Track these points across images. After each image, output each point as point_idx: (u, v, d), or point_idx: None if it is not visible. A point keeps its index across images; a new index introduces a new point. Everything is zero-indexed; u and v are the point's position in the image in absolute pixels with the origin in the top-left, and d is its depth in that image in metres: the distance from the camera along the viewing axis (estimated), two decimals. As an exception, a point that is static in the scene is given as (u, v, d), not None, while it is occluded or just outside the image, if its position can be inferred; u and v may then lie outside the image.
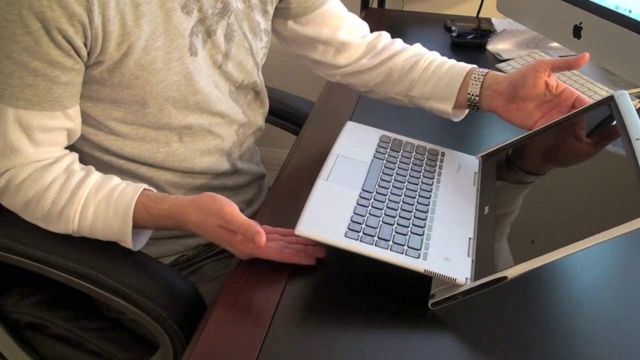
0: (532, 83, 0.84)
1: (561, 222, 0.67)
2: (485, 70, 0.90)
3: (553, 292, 0.72)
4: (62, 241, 0.80)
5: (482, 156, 0.89)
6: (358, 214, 0.73)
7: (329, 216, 0.72)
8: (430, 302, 0.67)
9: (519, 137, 0.86)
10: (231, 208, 0.73)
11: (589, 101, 0.83)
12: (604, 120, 0.77)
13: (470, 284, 0.65)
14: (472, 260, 0.69)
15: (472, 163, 0.88)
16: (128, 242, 0.78)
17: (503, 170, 0.83)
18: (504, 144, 0.87)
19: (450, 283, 0.66)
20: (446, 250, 0.70)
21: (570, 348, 0.64)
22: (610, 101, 0.77)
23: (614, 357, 0.63)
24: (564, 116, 0.82)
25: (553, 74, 0.85)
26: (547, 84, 0.84)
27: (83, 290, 0.80)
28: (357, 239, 0.69)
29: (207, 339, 0.65)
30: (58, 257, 0.80)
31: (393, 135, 0.90)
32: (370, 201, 0.75)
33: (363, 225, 0.71)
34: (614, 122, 0.74)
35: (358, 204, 0.74)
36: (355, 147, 0.86)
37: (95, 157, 0.87)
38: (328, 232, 0.69)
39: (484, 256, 0.69)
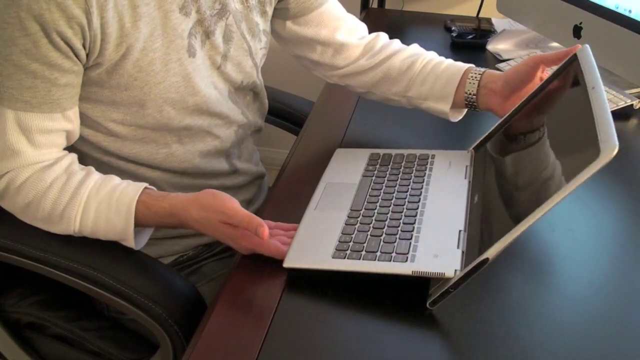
0: (526, 80, 0.84)
1: (529, 191, 0.68)
2: (482, 69, 0.90)
3: (552, 291, 0.72)
4: (62, 241, 0.80)
5: (473, 148, 0.89)
6: (346, 234, 0.74)
7: (316, 244, 0.73)
8: (428, 301, 0.67)
9: (498, 122, 0.86)
10: (232, 203, 0.73)
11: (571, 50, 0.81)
12: (569, 79, 0.77)
13: (458, 275, 0.65)
14: (463, 252, 0.69)
15: (463, 158, 0.88)
16: (130, 241, 0.78)
17: (489, 157, 0.83)
18: (488, 132, 0.87)
19: (441, 279, 0.66)
20: (435, 248, 0.70)
21: (569, 346, 0.64)
22: (574, 59, 0.77)
23: (614, 355, 0.63)
24: (539, 84, 0.82)
25: (547, 68, 0.85)
26: (541, 79, 0.84)
27: (83, 290, 0.80)
28: (344, 258, 0.70)
29: (207, 339, 0.65)
30: (58, 257, 0.80)
31: (382, 151, 0.90)
32: (358, 219, 0.76)
33: (350, 243, 0.72)
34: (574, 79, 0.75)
35: (346, 224, 0.75)
36: (344, 171, 0.87)
37: (94, 158, 0.87)
38: (315, 259, 0.71)
39: (472, 245, 0.69)
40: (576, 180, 0.57)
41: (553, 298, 0.71)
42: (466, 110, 0.96)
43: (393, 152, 0.90)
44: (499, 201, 0.73)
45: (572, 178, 0.57)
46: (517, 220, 0.61)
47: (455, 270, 0.66)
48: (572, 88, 0.76)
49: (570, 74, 0.78)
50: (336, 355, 0.62)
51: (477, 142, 0.89)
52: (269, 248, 0.73)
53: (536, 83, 0.84)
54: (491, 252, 0.62)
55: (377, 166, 0.87)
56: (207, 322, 0.67)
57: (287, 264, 0.71)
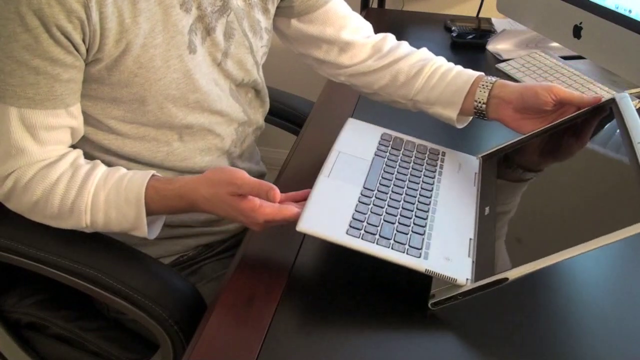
0: (543, 102, 0.83)
1: (562, 224, 0.67)
2: (494, 78, 0.90)
3: (553, 291, 0.72)
4: (62, 241, 0.80)
5: (482, 156, 0.89)
6: (359, 212, 0.72)
7: (330, 213, 0.71)
8: (430, 302, 0.67)
9: (520, 137, 0.86)
10: (241, 173, 0.72)
11: (594, 101, 0.82)
12: (606, 122, 0.77)
13: (471, 285, 0.65)
14: (473, 261, 0.69)
15: (472, 163, 0.88)
16: (143, 229, 0.77)
17: (504, 171, 0.83)
18: (505, 144, 0.87)
19: (450, 283, 0.66)
20: (447, 251, 0.69)
21: (570, 347, 0.64)
22: (611, 104, 0.77)
23: (615, 356, 0.63)
24: (566, 117, 0.83)
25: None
26: (558, 111, 0.84)
27: (83, 290, 0.80)
28: (358, 237, 0.68)
29: (207, 339, 0.65)
30: (58, 257, 0.80)
31: (394, 134, 0.90)
32: (372, 199, 0.75)
33: (364, 223, 0.70)
34: (613, 123, 0.74)
35: (359, 202, 0.74)
36: (357, 144, 0.85)
37: (95, 157, 0.87)
38: (330, 229, 0.69)
39: (484, 257, 0.69)
40: (624, 232, 0.56)
41: (554, 297, 0.71)
42: (471, 117, 0.95)
43: (405, 137, 0.89)
44: (518, 223, 0.72)
45: (616, 228, 0.57)
46: (545, 250, 0.61)
47: (467, 279, 0.66)
48: (604, 136, 0.76)
49: (598, 118, 0.78)
50: (336, 355, 0.62)
51: (488, 152, 0.88)
52: (283, 213, 0.71)
53: (550, 107, 0.84)
54: (513, 274, 0.62)
55: (389, 148, 0.86)
56: (207, 322, 0.67)
57: (300, 227, 0.68)
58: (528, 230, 0.70)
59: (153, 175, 0.78)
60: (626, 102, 0.75)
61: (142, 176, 0.77)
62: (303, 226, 0.68)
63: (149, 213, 0.77)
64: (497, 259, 0.67)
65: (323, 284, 0.72)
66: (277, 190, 0.68)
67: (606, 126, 0.77)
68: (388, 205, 0.74)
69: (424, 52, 0.99)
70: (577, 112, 0.82)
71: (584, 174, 0.74)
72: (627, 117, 0.72)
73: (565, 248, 0.59)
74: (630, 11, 1.09)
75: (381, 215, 0.72)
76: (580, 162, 0.76)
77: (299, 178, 0.93)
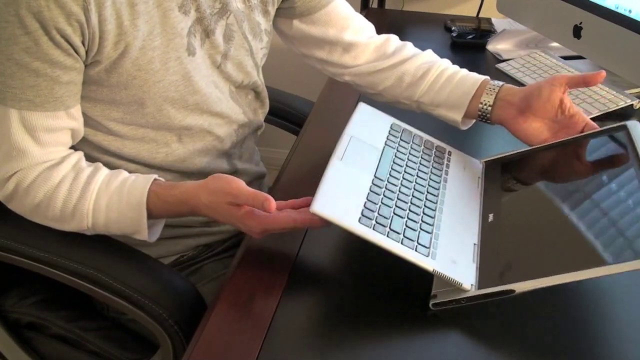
0: (546, 96, 0.83)
1: (571, 242, 0.66)
2: (500, 83, 0.90)
3: (555, 291, 0.72)
4: (62, 241, 0.80)
5: (486, 161, 0.89)
6: (371, 201, 0.70)
7: (343, 198, 0.69)
8: (432, 302, 0.67)
9: (525, 149, 0.86)
10: (237, 183, 0.72)
11: (597, 127, 0.83)
12: (615, 146, 0.78)
13: (476, 291, 0.65)
14: (477, 267, 0.69)
15: (476, 166, 0.88)
16: (144, 233, 0.78)
17: (509, 179, 0.83)
18: (509, 153, 0.87)
19: (454, 286, 0.66)
20: (453, 253, 0.69)
21: (571, 350, 0.64)
22: (622, 129, 0.77)
23: (615, 355, 0.63)
24: (572, 137, 0.82)
25: (569, 90, 0.84)
26: (561, 101, 0.84)
27: (83, 291, 0.80)
28: (370, 227, 0.67)
29: (207, 339, 0.65)
30: (58, 257, 0.80)
31: (403, 125, 0.89)
32: (383, 189, 0.73)
33: (376, 214, 0.69)
34: (621, 149, 0.75)
35: (371, 191, 0.72)
36: (368, 131, 0.84)
37: (94, 158, 0.87)
38: (343, 214, 0.67)
39: (488, 264, 0.68)
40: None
41: (556, 297, 0.71)
42: (474, 120, 0.95)
43: (413, 130, 0.88)
44: (525, 235, 0.71)
45: (633, 257, 0.57)
46: (554, 269, 0.61)
47: (472, 285, 0.66)
48: (613, 159, 0.76)
49: (607, 141, 0.78)
50: (336, 355, 0.62)
51: (492, 158, 0.88)
52: (279, 221, 0.71)
53: (555, 103, 0.83)
54: (520, 287, 0.62)
55: (399, 139, 0.85)
56: (207, 322, 0.67)
57: (314, 208, 0.65)
58: (534, 243, 0.69)
59: (155, 180, 0.78)
60: (638, 129, 0.76)
61: (144, 181, 0.77)
62: (317, 208, 0.66)
63: (150, 217, 0.77)
64: (502, 268, 0.66)
65: (323, 284, 0.72)
66: (272, 201, 0.68)
67: (615, 150, 0.77)
68: (398, 199, 0.73)
69: (430, 54, 0.99)
70: (585, 133, 0.82)
71: (590, 194, 0.73)
72: (639, 144, 0.73)
73: (574, 270, 0.59)
74: (630, 11, 1.09)
75: (391, 207, 0.71)
76: (590, 183, 0.76)
77: (299, 178, 0.93)
